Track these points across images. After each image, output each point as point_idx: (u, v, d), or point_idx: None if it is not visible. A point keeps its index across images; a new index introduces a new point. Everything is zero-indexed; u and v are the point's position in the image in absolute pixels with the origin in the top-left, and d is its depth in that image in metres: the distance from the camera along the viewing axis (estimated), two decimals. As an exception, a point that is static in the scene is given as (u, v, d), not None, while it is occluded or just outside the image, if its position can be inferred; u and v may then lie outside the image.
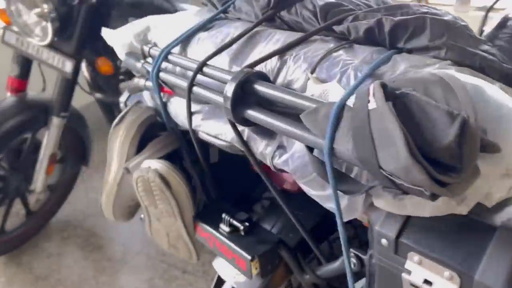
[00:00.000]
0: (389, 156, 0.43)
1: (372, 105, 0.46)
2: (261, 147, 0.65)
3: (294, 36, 0.69)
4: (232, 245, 0.75)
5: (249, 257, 0.72)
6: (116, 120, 0.83)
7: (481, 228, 0.52)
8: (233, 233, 0.77)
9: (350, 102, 0.51)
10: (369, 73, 0.54)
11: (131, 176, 0.85)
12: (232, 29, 0.74)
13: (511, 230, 0.50)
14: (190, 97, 0.70)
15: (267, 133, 0.64)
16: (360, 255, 0.63)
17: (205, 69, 0.68)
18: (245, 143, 0.66)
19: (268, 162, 0.65)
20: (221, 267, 0.88)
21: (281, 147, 0.63)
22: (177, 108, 0.78)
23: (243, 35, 0.70)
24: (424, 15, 0.58)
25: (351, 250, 0.64)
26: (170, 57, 0.75)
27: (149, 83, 0.79)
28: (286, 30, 0.71)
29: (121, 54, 0.87)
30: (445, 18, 0.58)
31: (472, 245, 0.51)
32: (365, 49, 0.62)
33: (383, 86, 0.46)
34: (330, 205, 0.61)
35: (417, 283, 0.52)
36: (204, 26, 0.77)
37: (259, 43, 0.70)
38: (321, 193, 0.60)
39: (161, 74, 0.75)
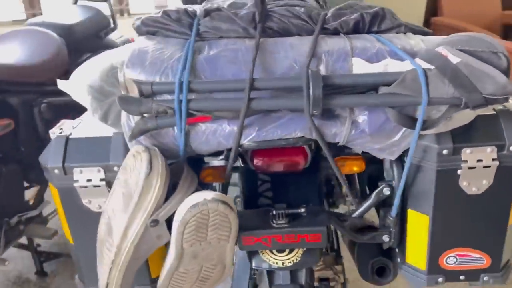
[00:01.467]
0: (488, 83, 0.66)
1: (455, 59, 0.67)
2: (335, 129, 0.76)
3: (301, 39, 0.80)
4: (300, 228, 0.83)
5: (324, 228, 0.83)
6: (146, 170, 0.71)
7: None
8: (293, 220, 0.85)
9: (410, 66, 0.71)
10: (394, 49, 0.75)
11: (156, 229, 0.78)
12: (237, 45, 0.77)
13: None
14: (245, 113, 0.71)
15: (336, 116, 0.75)
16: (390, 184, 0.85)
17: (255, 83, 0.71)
18: (318, 130, 0.74)
19: (341, 140, 0.77)
20: (258, 261, 0.92)
21: (354, 122, 0.76)
22: (208, 135, 0.76)
23: (255, 47, 0.75)
24: (376, 8, 0.83)
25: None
26: (192, 85, 0.72)
27: (165, 120, 0.73)
28: (282, 37, 0.81)
29: (89, 102, 0.76)
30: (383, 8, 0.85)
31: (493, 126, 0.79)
32: (364, 36, 0.82)
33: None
34: (390, 151, 0.79)
35: (473, 164, 0.78)
36: (193, 51, 0.77)
37: (278, 51, 0.77)
38: (387, 142, 0.77)
39: (192, 104, 0.72)
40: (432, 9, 3.28)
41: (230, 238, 0.80)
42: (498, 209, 0.82)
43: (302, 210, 0.84)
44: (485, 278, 0.88)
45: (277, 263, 0.88)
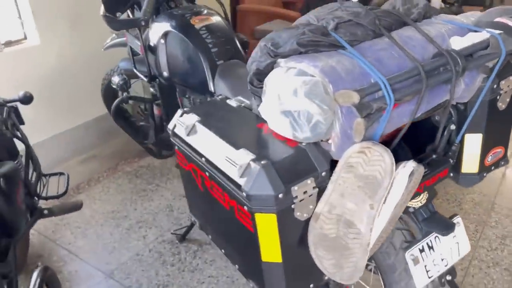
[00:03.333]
0: None
1: (512, 23, 1.05)
2: (457, 88, 1.04)
3: (406, 31, 1.03)
4: (440, 169, 1.16)
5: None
6: (390, 157, 0.85)
7: None
8: (431, 166, 1.14)
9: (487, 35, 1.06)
10: (464, 25, 1.09)
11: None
12: (382, 45, 0.97)
13: None
14: (423, 93, 0.93)
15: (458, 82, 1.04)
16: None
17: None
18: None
19: (458, 94, 1.06)
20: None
21: (464, 81, 1.05)
22: (397, 117, 0.95)
23: (396, 43, 0.97)
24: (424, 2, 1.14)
25: None
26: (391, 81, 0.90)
27: (378, 114, 0.89)
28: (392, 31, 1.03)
29: (324, 126, 0.86)
30: None
31: None
32: (433, 21, 1.10)
33: None
34: (469, 95, 1.13)
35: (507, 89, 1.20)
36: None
37: (405, 42, 0.98)
38: (471, 90, 1.11)
39: (396, 95, 0.89)
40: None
41: (412, 194, 1.03)
42: (510, 114, 1.27)
43: (434, 156, 1.13)
44: (502, 163, 1.34)
45: (418, 204, 1.14)
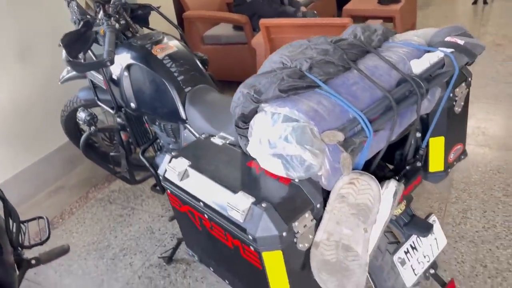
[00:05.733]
0: (478, 48, 1.17)
1: (461, 41, 1.17)
2: (423, 106, 1.15)
3: (371, 60, 1.12)
4: (414, 178, 1.27)
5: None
6: (377, 186, 0.95)
7: None
8: (406, 176, 1.25)
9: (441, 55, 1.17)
10: (419, 47, 1.19)
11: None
12: (353, 79, 1.05)
13: None
14: (396, 120, 1.03)
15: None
16: None
17: None
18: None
19: (425, 110, 1.18)
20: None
21: (428, 97, 1.16)
22: (374, 144, 1.04)
23: (365, 76, 1.06)
24: (379, 25, 1.24)
25: None
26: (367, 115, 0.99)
27: (360, 147, 0.98)
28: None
29: (316, 165, 0.94)
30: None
31: None
32: (392, 45, 1.20)
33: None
34: (431, 106, 1.25)
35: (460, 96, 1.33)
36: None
37: (372, 73, 1.07)
38: (433, 101, 1.23)
39: (374, 127, 0.99)
40: (178, 6, 3.71)
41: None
42: (465, 115, 1.40)
43: (408, 167, 1.24)
44: (462, 157, 1.49)
45: (398, 212, 1.26)
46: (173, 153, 1.20)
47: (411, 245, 1.27)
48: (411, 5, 4.30)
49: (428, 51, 1.19)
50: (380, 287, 1.33)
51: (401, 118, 1.10)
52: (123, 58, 1.81)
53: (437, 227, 1.33)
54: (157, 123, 1.92)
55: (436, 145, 1.36)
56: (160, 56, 1.78)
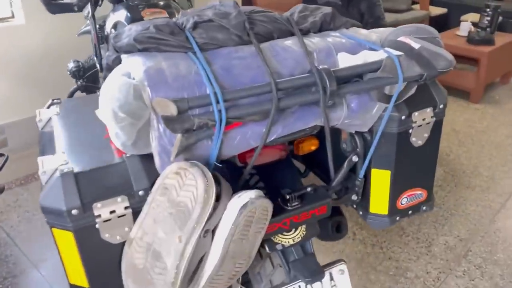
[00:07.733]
0: (441, 60, 0.87)
1: (416, 45, 0.87)
2: (336, 114, 0.88)
3: (288, 41, 0.89)
4: (312, 204, 0.95)
5: (329, 200, 0.96)
6: (204, 184, 0.71)
7: None
8: (303, 200, 0.95)
9: (383, 55, 0.88)
10: (362, 41, 0.92)
11: (206, 239, 0.80)
12: (242, 53, 0.82)
13: None
14: (274, 113, 0.79)
15: (336, 104, 0.87)
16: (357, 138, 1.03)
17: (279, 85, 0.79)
18: (327, 118, 0.86)
19: (339, 122, 0.89)
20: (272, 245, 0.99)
21: (348, 106, 0.89)
22: (239, 139, 0.80)
23: (259, 53, 0.82)
24: (329, 9, 0.99)
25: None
26: (225, 95, 0.75)
27: (203, 133, 0.75)
28: (270, 41, 0.89)
29: (126, 130, 0.72)
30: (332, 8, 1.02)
31: (427, 93, 1.04)
32: (331, 34, 0.96)
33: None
34: (365, 125, 0.95)
35: (420, 123, 1.01)
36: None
37: (276, 53, 0.85)
38: (366, 117, 0.94)
39: (229, 113, 0.75)
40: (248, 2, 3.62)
41: (263, 230, 0.87)
42: (432, 153, 1.09)
43: (309, 189, 0.96)
44: (423, 208, 1.15)
45: (288, 241, 0.98)
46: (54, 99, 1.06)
47: (294, 293, 0.98)
48: (508, 52, 3.73)
49: (372, 49, 0.91)
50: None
51: (293, 118, 0.84)
52: (115, 16, 1.72)
53: (343, 279, 1.02)
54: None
55: (380, 180, 1.06)
56: (146, 18, 1.66)
